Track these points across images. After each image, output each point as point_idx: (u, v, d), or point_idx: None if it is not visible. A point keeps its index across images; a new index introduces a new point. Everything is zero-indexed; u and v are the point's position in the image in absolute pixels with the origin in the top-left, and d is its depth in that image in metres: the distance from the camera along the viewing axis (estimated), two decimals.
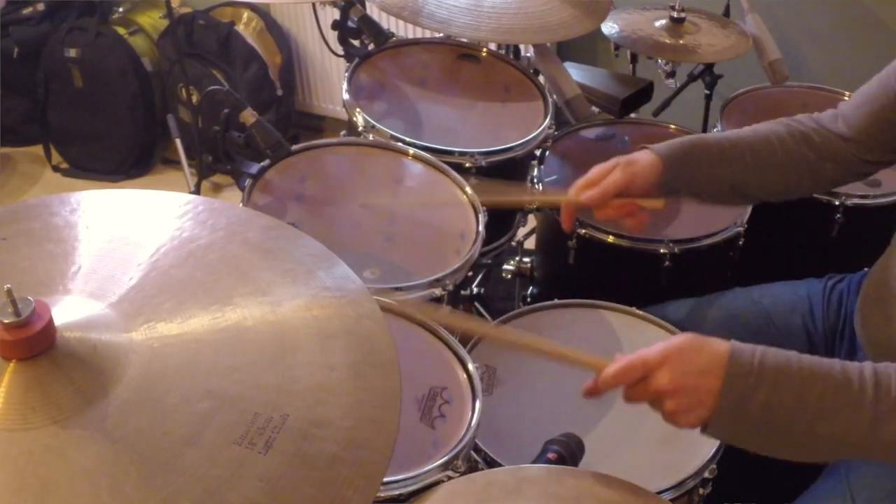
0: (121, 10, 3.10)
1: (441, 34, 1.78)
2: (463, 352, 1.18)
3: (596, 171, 1.24)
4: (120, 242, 0.89)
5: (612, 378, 0.96)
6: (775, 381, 0.90)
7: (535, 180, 1.65)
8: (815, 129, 1.27)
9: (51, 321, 0.73)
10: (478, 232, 1.39)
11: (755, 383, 0.89)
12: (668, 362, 0.93)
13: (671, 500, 1.11)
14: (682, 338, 0.96)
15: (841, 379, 0.90)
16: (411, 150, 1.51)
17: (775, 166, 1.26)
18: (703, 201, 1.33)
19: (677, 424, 0.94)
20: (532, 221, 1.76)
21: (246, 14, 2.97)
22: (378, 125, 1.55)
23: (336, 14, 1.83)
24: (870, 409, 0.88)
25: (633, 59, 2.08)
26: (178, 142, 2.61)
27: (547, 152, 1.69)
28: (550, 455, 1.03)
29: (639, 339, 1.35)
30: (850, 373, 0.90)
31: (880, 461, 1.16)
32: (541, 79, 1.81)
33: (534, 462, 1.04)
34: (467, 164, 1.54)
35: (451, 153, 1.54)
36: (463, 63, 1.83)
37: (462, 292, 1.41)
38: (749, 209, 1.57)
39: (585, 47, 2.57)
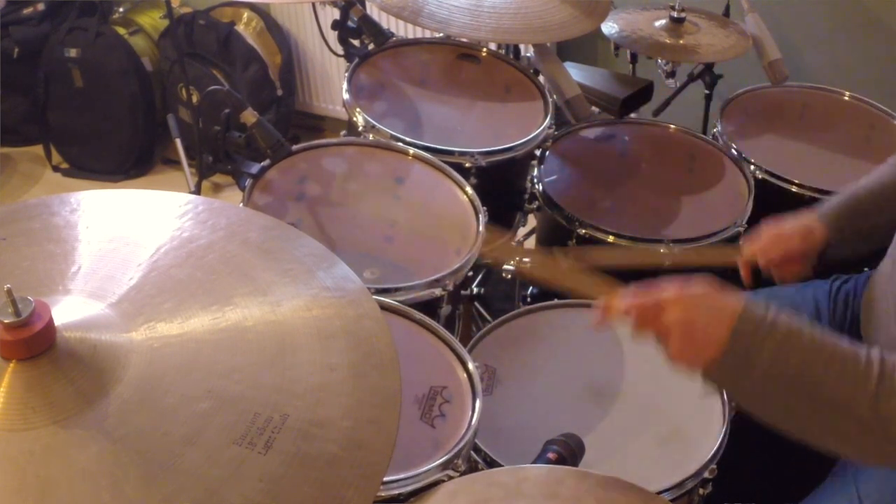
0: (121, 10, 3.10)
1: (441, 34, 1.78)
2: (463, 351, 1.18)
3: (774, 235, 1.36)
4: (120, 242, 0.89)
5: (624, 307, 0.97)
6: (783, 341, 0.89)
7: (536, 180, 1.65)
8: None
9: (51, 321, 0.73)
10: (478, 232, 1.39)
11: (763, 339, 0.89)
12: (682, 302, 0.94)
13: (671, 500, 1.11)
14: (699, 282, 0.96)
15: (849, 351, 0.90)
16: (411, 150, 1.51)
17: None
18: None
19: (676, 364, 0.94)
20: (532, 221, 1.76)
21: (246, 14, 2.96)
22: (378, 125, 1.55)
23: (336, 14, 1.83)
24: (874, 383, 0.87)
25: (633, 59, 2.08)
26: (178, 142, 2.61)
27: (547, 152, 1.69)
28: (550, 455, 1.03)
29: None
30: (858, 349, 0.90)
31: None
32: (541, 79, 1.81)
33: (534, 462, 1.04)
34: (467, 164, 1.54)
35: (451, 153, 1.54)
36: (463, 63, 1.83)
37: (462, 292, 1.41)
38: (749, 209, 1.57)
39: (585, 47, 2.56)
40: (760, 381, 0.90)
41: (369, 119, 1.56)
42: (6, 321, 0.70)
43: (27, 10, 3.04)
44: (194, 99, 2.71)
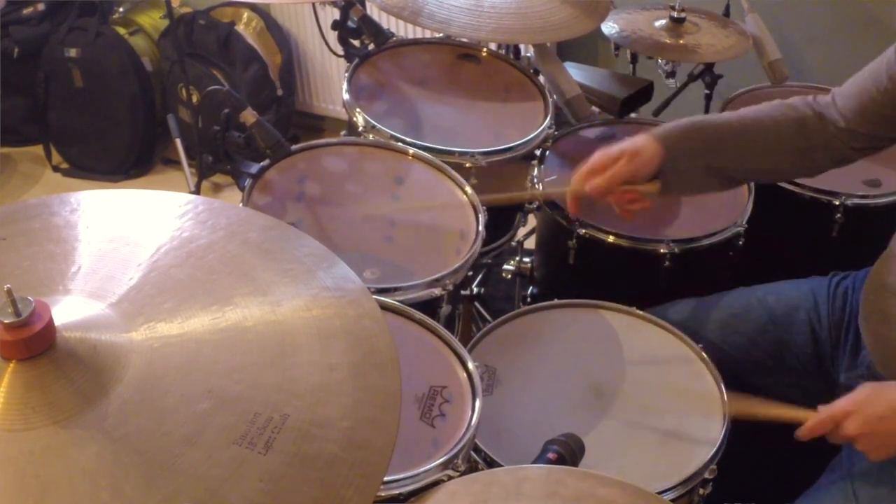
0: (121, 10, 3.10)
1: (441, 34, 1.78)
2: (463, 351, 1.18)
3: (599, 158, 1.28)
4: (120, 242, 0.89)
5: (809, 432, 1.15)
6: None
7: (536, 180, 1.65)
8: (811, 115, 1.29)
9: (51, 321, 0.73)
10: (478, 232, 1.39)
11: None
12: (854, 414, 1.11)
13: (671, 500, 1.11)
14: (865, 389, 1.13)
15: None
16: (411, 150, 1.51)
17: (767, 152, 1.30)
18: (693, 192, 1.41)
19: (875, 457, 1.13)
20: (532, 221, 1.76)
21: (246, 14, 2.97)
22: (378, 125, 1.55)
23: (336, 14, 1.83)
24: None
25: (633, 59, 2.08)
26: (178, 142, 2.61)
27: (547, 152, 1.69)
28: (550, 455, 1.03)
29: (639, 339, 1.35)
30: None
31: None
32: (541, 79, 1.81)
33: (534, 462, 1.04)
34: (467, 164, 1.54)
35: (451, 153, 1.54)
36: (463, 63, 1.83)
37: (462, 292, 1.41)
38: (749, 209, 1.57)
39: (585, 47, 2.56)
40: None
41: (369, 119, 1.56)
42: (6, 321, 0.70)
43: (27, 10, 3.04)
44: (194, 99, 2.71)
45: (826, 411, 1.13)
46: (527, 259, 1.73)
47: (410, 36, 2.47)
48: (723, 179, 1.34)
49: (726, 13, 2.05)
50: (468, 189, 1.46)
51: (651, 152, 1.25)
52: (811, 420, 1.14)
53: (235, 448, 0.71)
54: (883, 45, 1.22)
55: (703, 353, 1.30)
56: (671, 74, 1.99)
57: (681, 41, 1.90)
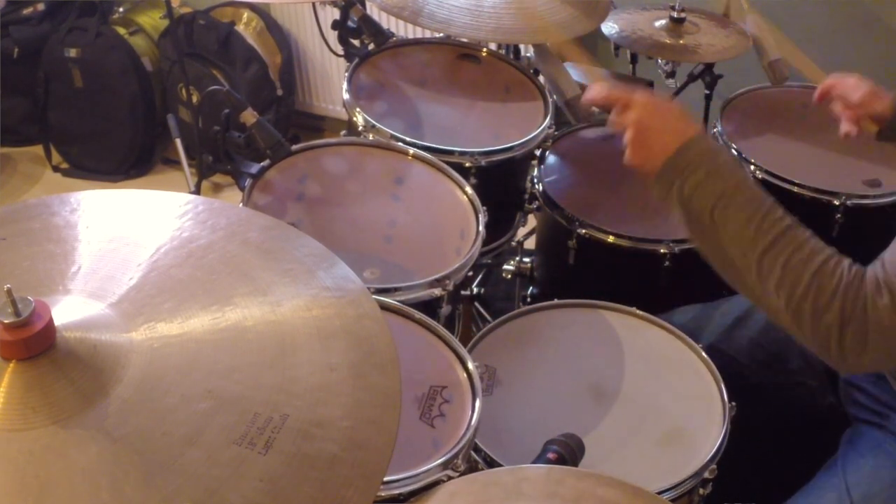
0: (121, 10, 3.10)
1: (441, 34, 1.78)
2: (463, 351, 1.18)
3: (850, 79, 1.47)
4: (120, 242, 0.89)
5: (602, 91, 1.17)
6: (715, 171, 1.02)
7: (535, 180, 1.65)
8: None
9: (51, 321, 0.73)
10: (478, 232, 1.39)
11: (699, 164, 1.03)
12: (646, 106, 1.10)
13: (671, 501, 1.11)
14: (671, 100, 1.12)
15: (763, 202, 1.01)
16: (411, 150, 1.51)
17: None
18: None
19: (630, 158, 1.10)
20: (532, 221, 1.76)
21: (246, 14, 2.97)
22: (378, 125, 1.55)
23: (336, 14, 1.83)
24: (768, 239, 0.98)
25: (633, 59, 2.08)
26: (178, 142, 2.61)
27: (547, 152, 1.69)
28: (550, 455, 1.03)
29: (639, 339, 1.35)
30: (773, 204, 1.01)
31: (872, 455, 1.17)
32: (541, 79, 1.81)
33: (534, 462, 1.04)
34: (467, 164, 1.54)
35: (451, 153, 1.54)
36: (463, 63, 1.83)
37: (462, 292, 1.41)
38: None
39: (585, 47, 2.56)
40: (688, 196, 1.03)
41: (369, 119, 1.56)
42: (6, 321, 0.70)
43: (27, 10, 3.04)
44: (194, 99, 2.71)
45: (624, 89, 1.15)
46: (527, 259, 1.73)
47: (410, 36, 2.47)
48: None
49: (726, 13, 2.05)
50: (468, 189, 1.46)
51: (888, 101, 1.40)
52: (612, 87, 1.16)
53: (235, 448, 0.71)
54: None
55: (703, 354, 1.30)
56: (671, 74, 1.99)
57: (681, 41, 1.90)
